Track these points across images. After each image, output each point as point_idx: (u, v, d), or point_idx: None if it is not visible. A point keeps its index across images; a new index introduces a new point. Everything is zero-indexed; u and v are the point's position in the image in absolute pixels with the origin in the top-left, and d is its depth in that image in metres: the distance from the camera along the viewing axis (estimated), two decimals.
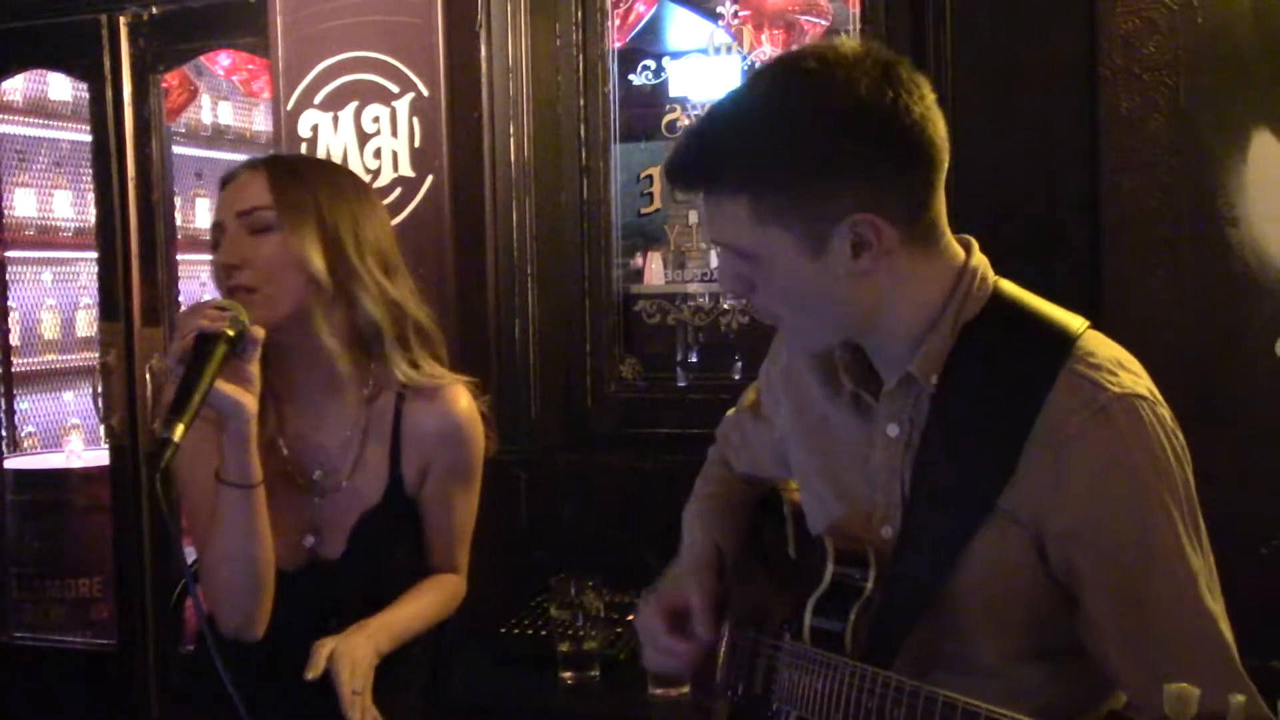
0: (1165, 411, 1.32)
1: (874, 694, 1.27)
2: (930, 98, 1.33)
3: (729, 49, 3.08)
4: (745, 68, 3.06)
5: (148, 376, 3.48)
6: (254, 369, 1.77)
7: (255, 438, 1.80)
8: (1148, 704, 1.25)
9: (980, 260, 1.41)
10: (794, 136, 1.30)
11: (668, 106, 3.10)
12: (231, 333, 1.72)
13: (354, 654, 1.83)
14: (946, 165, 1.35)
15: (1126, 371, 1.32)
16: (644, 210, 3.14)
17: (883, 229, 1.31)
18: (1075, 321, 1.37)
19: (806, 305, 1.37)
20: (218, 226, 1.89)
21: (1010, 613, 1.36)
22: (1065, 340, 1.34)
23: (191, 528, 1.95)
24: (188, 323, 1.73)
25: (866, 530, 1.45)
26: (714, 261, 3.13)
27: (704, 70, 3.09)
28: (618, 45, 3.12)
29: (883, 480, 1.43)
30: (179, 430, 1.60)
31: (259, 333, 1.76)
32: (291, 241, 1.83)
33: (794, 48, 3.01)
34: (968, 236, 1.43)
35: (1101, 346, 1.34)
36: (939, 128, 1.33)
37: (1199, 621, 1.28)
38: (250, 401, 1.77)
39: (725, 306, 3.08)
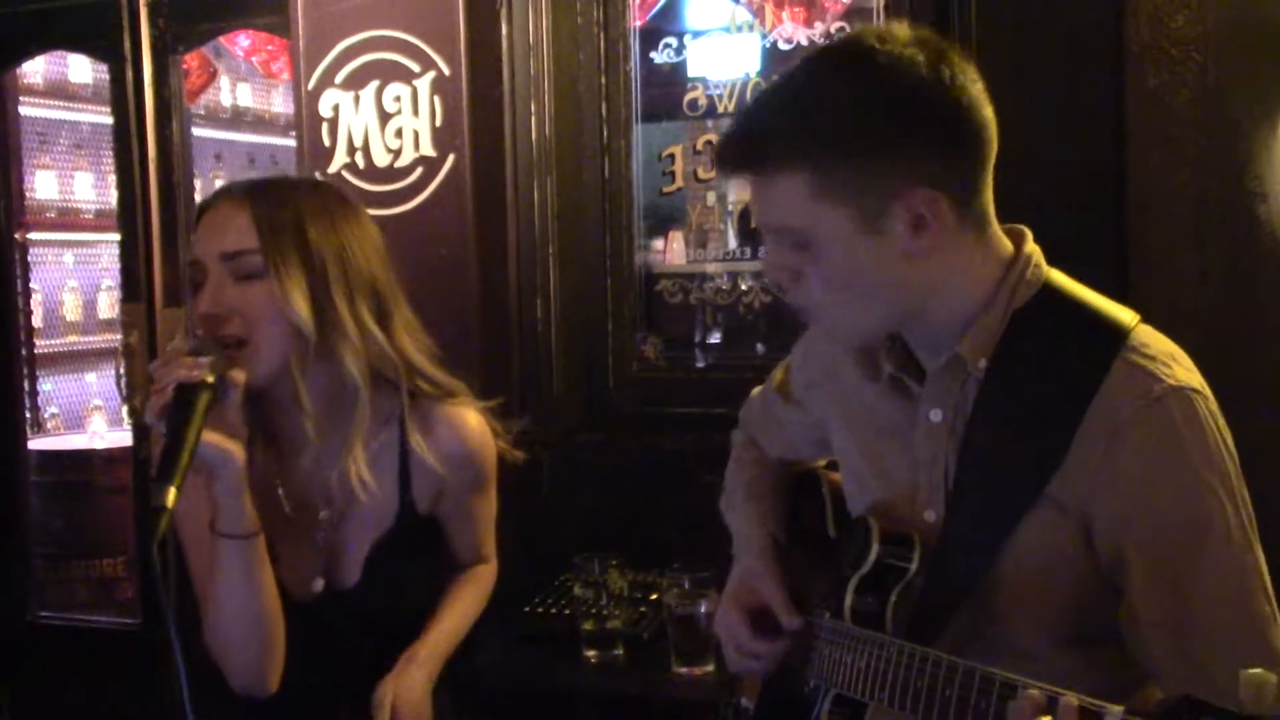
0: (1217, 408, 1.31)
1: (924, 673, 1.27)
2: (980, 84, 1.34)
3: (750, 27, 3.06)
4: (766, 46, 3.04)
5: None
6: (236, 415, 1.67)
7: (247, 486, 1.69)
8: (1181, 690, 1.24)
9: (1034, 249, 1.41)
10: (858, 108, 1.30)
11: (689, 85, 3.09)
12: (211, 379, 1.59)
13: (413, 698, 1.82)
14: (995, 152, 1.35)
15: (1180, 365, 1.32)
16: (665, 189, 3.13)
17: (942, 207, 1.31)
18: (1127, 314, 1.36)
19: (858, 289, 1.35)
20: (197, 265, 1.73)
21: (1053, 599, 1.36)
22: (1119, 331, 1.33)
23: (195, 585, 1.84)
24: (164, 375, 1.59)
25: (909, 512, 1.45)
26: (732, 242, 3.12)
27: (725, 48, 3.08)
28: (639, 24, 3.11)
29: (926, 464, 1.43)
30: (171, 495, 1.47)
31: (239, 376, 1.65)
32: (277, 292, 1.68)
33: (816, 25, 3.00)
34: (1021, 227, 1.43)
35: (1155, 339, 1.34)
36: (989, 112, 1.34)
37: (1247, 617, 1.27)
38: (238, 450, 1.66)
39: (744, 287, 3.07)
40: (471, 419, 1.90)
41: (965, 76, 1.32)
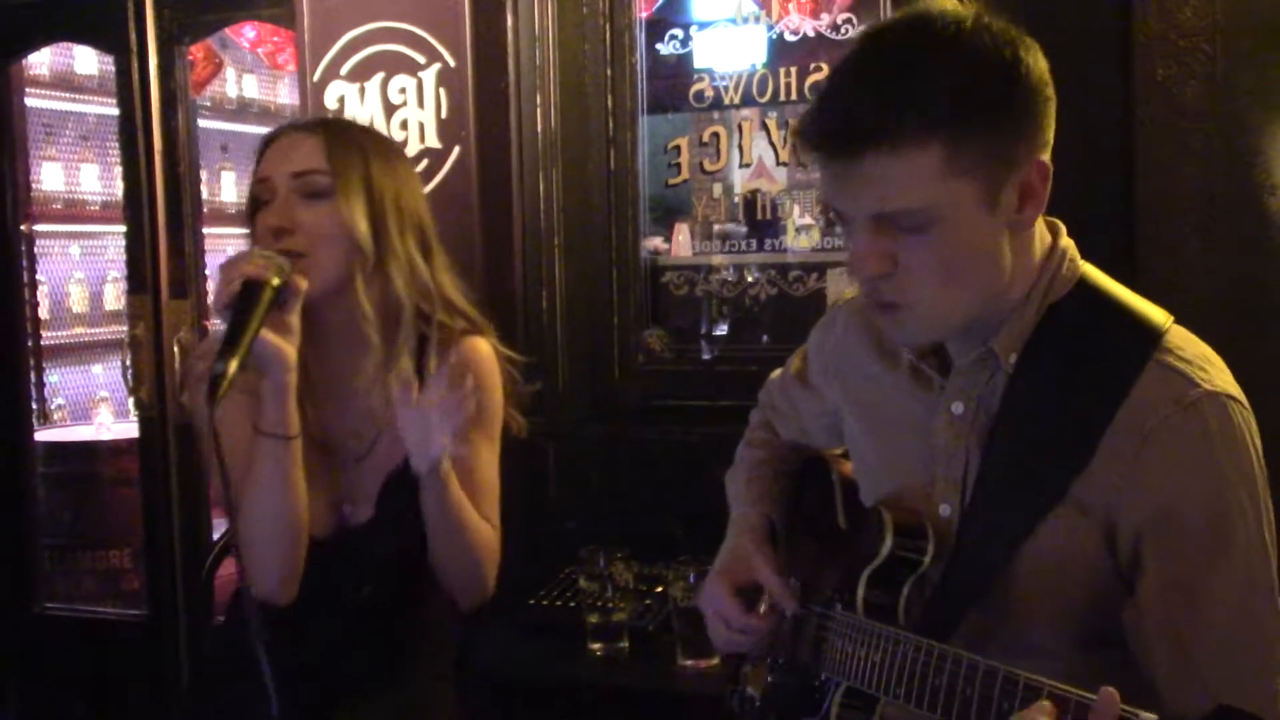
0: (1252, 417, 1.30)
1: (943, 671, 1.25)
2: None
3: (756, 18, 3.05)
4: (772, 38, 3.03)
5: (176, 349, 3.49)
6: (294, 320, 1.78)
7: (294, 389, 1.79)
8: (1180, 704, 1.24)
9: (1069, 243, 1.39)
10: (985, 77, 1.25)
11: (695, 77, 3.08)
12: (276, 281, 1.72)
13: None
14: None
15: (1215, 368, 1.30)
16: (671, 181, 3.12)
17: (1049, 174, 1.29)
18: (1160, 314, 1.34)
19: (965, 270, 1.29)
20: (265, 183, 1.86)
21: (1070, 600, 1.34)
22: (1154, 332, 1.31)
23: (228, 494, 1.91)
24: (234, 270, 1.71)
25: (923, 503, 1.43)
26: (737, 234, 3.11)
27: (731, 40, 3.07)
28: (644, 15, 3.10)
29: (944, 457, 1.41)
30: (233, 364, 1.60)
31: (302, 284, 1.77)
32: (343, 210, 1.83)
33: (823, 16, 2.98)
34: (1055, 220, 1.40)
35: (1190, 342, 1.32)
36: None
37: (1255, 629, 1.26)
38: (291, 352, 1.77)
39: (750, 279, 3.06)
40: (483, 349, 1.98)
41: (1032, 41, 1.30)
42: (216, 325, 1.91)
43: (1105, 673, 1.33)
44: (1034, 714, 1.10)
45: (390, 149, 1.98)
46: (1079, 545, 1.31)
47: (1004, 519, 1.35)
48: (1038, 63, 1.28)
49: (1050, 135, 1.31)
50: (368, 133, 1.99)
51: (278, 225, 1.81)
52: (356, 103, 3.01)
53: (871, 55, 1.29)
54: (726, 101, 3.06)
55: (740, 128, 3.07)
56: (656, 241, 3.13)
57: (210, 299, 1.84)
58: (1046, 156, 1.30)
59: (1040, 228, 1.37)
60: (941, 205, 1.24)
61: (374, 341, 1.88)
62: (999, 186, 1.26)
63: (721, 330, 3.11)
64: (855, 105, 1.25)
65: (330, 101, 3.03)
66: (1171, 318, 1.34)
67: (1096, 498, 1.29)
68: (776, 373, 1.83)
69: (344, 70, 3.02)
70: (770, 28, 3.03)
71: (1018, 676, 1.16)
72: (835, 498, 1.65)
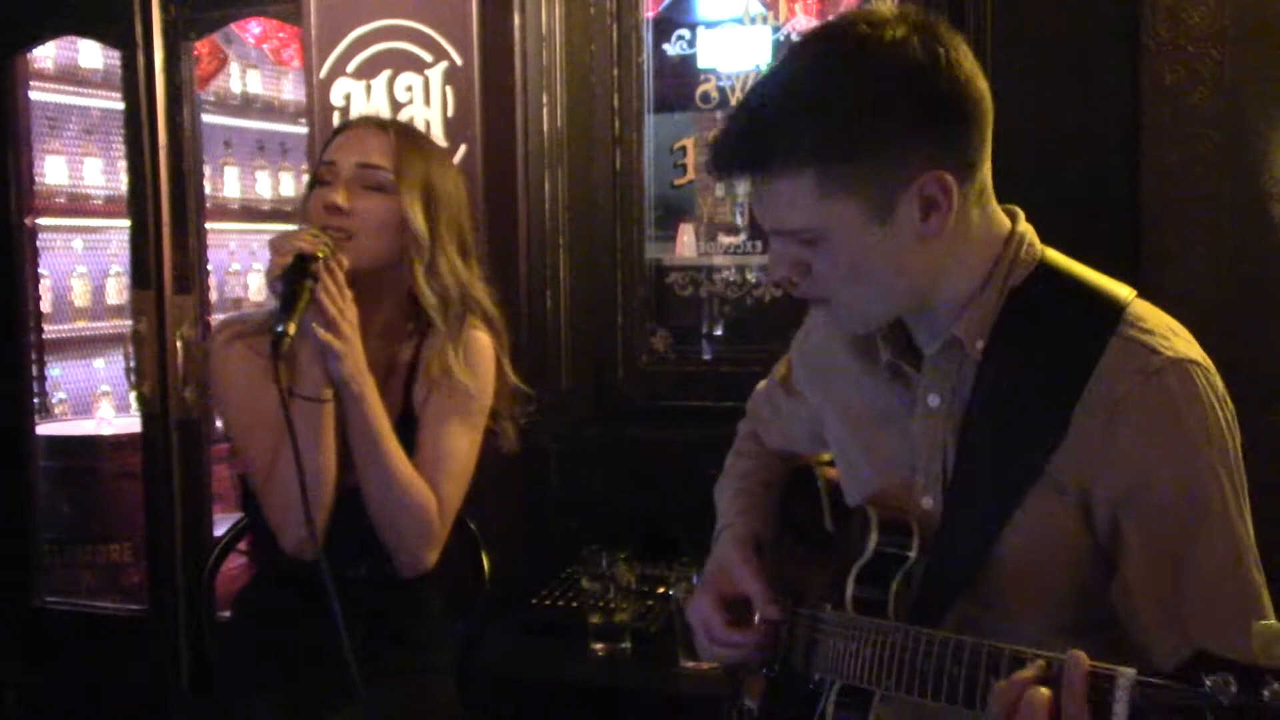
0: (1218, 380, 1.31)
1: (930, 655, 1.26)
2: (971, 54, 1.33)
3: (763, 19, 3.05)
4: (779, 39, 3.03)
5: (179, 344, 3.48)
6: (346, 291, 1.93)
7: (355, 355, 1.94)
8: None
9: (1027, 228, 1.41)
10: (856, 102, 1.28)
11: (701, 77, 3.08)
12: (324, 254, 1.89)
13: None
14: (992, 123, 1.34)
15: (1179, 338, 1.31)
16: (676, 182, 3.12)
17: (951, 187, 1.30)
18: (1123, 290, 1.36)
19: (867, 279, 1.34)
20: (331, 166, 2.02)
21: (1053, 582, 1.35)
22: (1115, 307, 1.33)
23: (242, 454, 2.07)
24: (286, 244, 1.88)
25: (906, 499, 1.44)
26: (743, 234, 3.11)
27: (737, 40, 3.07)
28: (651, 15, 3.10)
29: (924, 450, 1.43)
30: (292, 326, 1.79)
31: (345, 262, 1.93)
32: (404, 204, 1.99)
33: (830, 18, 2.98)
34: (1013, 206, 1.42)
35: (1152, 314, 1.34)
36: (984, 83, 1.33)
37: (1241, 589, 1.27)
38: (339, 320, 1.91)
39: (755, 280, 3.06)
40: (484, 341, 2.11)
41: (957, 52, 1.30)
42: (217, 319, 2.03)
43: (1094, 657, 1.34)
44: (1016, 680, 1.11)
45: (448, 161, 2.18)
46: (1058, 526, 1.32)
47: (983, 506, 1.36)
48: (944, 79, 1.28)
49: (964, 146, 1.31)
50: (431, 142, 2.19)
51: (336, 203, 1.97)
52: (363, 100, 3.00)
53: (768, 79, 1.37)
54: (732, 102, 3.06)
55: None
56: (662, 242, 3.14)
57: (212, 293, 1.96)
58: (950, 168, 1.29)
59: (998, 216, 1.39)
60: (824, 224, 1.30)
61: (394, 328, 2.07)
62: (889, 202, 1.29)
63: (726, 331, 3.12)
64: (739, 135, 1.33)
65: (336, 99, 3.02)
66: (1134, 292, 1.36)
67: (1071, 475, 1.31)
68: (763, 382, 1.84)
69: (350, 67, 3.01)
70: (776, 29, 3.04)
71: (1002, 649, 1.17)
72: (821, 503, 1.66)
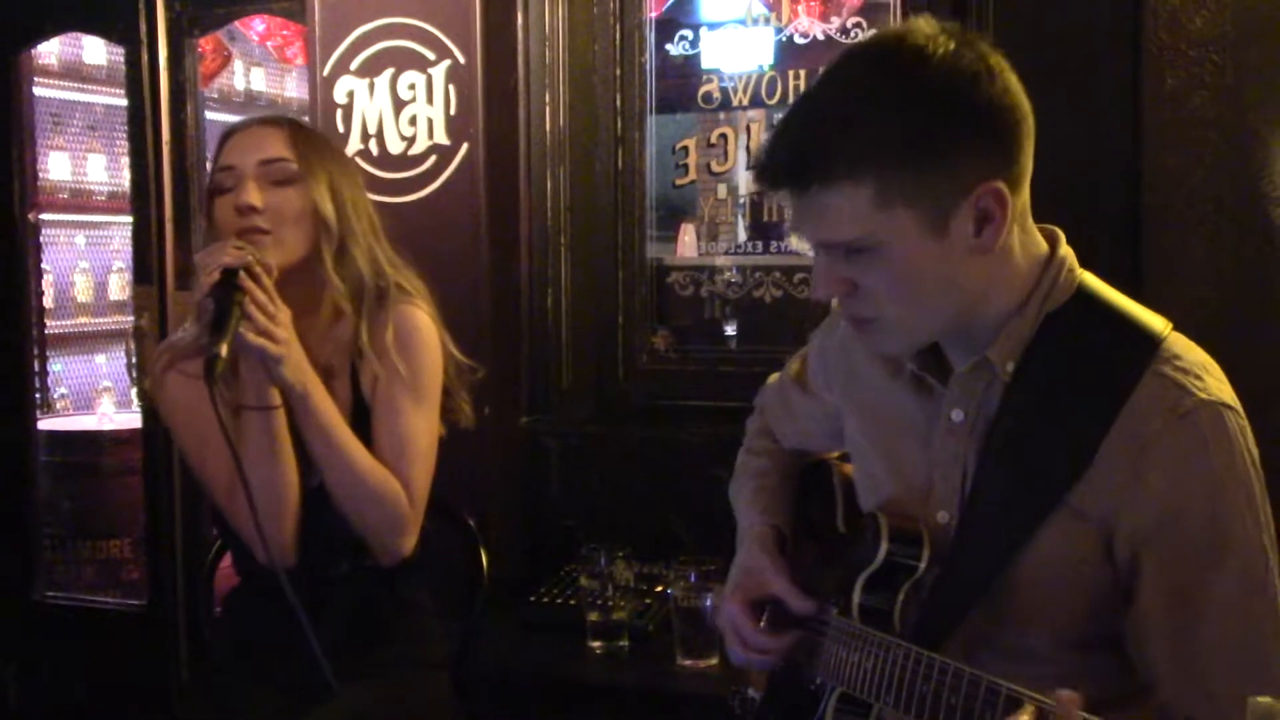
0: (1247, 425, 1.31)
1: (930, 679, 1.26)
2: (1012, 70, 1.32)
3: (765, 20, 3.06)
4: (781, 40, 3.04)
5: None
6: (274, 297, 1.90)
7: (296, 360, 1.92)
8: (1183, 708, 1.25)
9: (1068, 252, 1.39)
10: (917, 111, 1.27)
11: (704, 78, 3.09)
12: (252, 263, 1.87)
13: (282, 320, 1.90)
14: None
15: (1212, 378, 1.31)
16: (678, 182, 3.12)
17: (1006, 199, 1.29)
18: (1159, 322, 1.35)
19: (920, 292, 1.33)
20: (230, 170, 1.97)
21: (1067, 605, 1.35)
22: (1151, 340, 1.32)
23: (200, 478, 2.05)
24: (210, 260, 1.86)
25: (921, 510, 1.44)
26: (744, 235, 3.12)
27: (740, 41, 3.07)
28: (654, 15, 3.10)
29: (943, 465, 1.42)
30: (225, 348, 1.77)
31: (273, 267, 1.90)
32: (313, 193, 1.97)
33: (833, 20, 2.99)
34: (1054, 228, 1.41)
35: (1188, 350, 1.33)
36: (1026, 99, 1.32)
37: (1254, 632, 1.27)
38: (276, 329, 1.88)
39: (756, 280, 3.07)
40: (420, 319, 2.07)
41: (1002, 67, 1.30)
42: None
43: (1098, 675, 1.34)
44: None
45: (340, 149, 2.17)
46: (1076, 553, 1.32)
47: (1001, 526, 1.36)
48: (998, 91, 1.28)
49: (1015, 159, 1.31)
50: (323, 134, 2.20)
51: (249, 203, 1.93)
52: (366, 98, 3.01)
53: (819, 90, 1.36)
54: (735, 103, 3.07)
55: (748, 129, 3.08)
56: (663, 242, 3.14)
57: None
58: (1005, 179, 1.29)
59: (1036, 237, 1.38)
60: (880, 235, 1.29)
61: (325, 318, 2.03)
62: (945, 214, 1.28)
63: (725, 331, 3.12)
64: (792, 145, 1.31)
65: (340, 96, 3.03)
66: (1170, 325, 1.35)
67: (1094, 506, 1.30)
68: (774, 377, 1.84)
69: (354, 65, 3.02)
70: (779, 30, 3.04)
71: (1000, 687, 1.18)
72: (836, 502, 1.66)
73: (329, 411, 1.95)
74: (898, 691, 1.32)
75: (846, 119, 1.28)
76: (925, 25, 1.31)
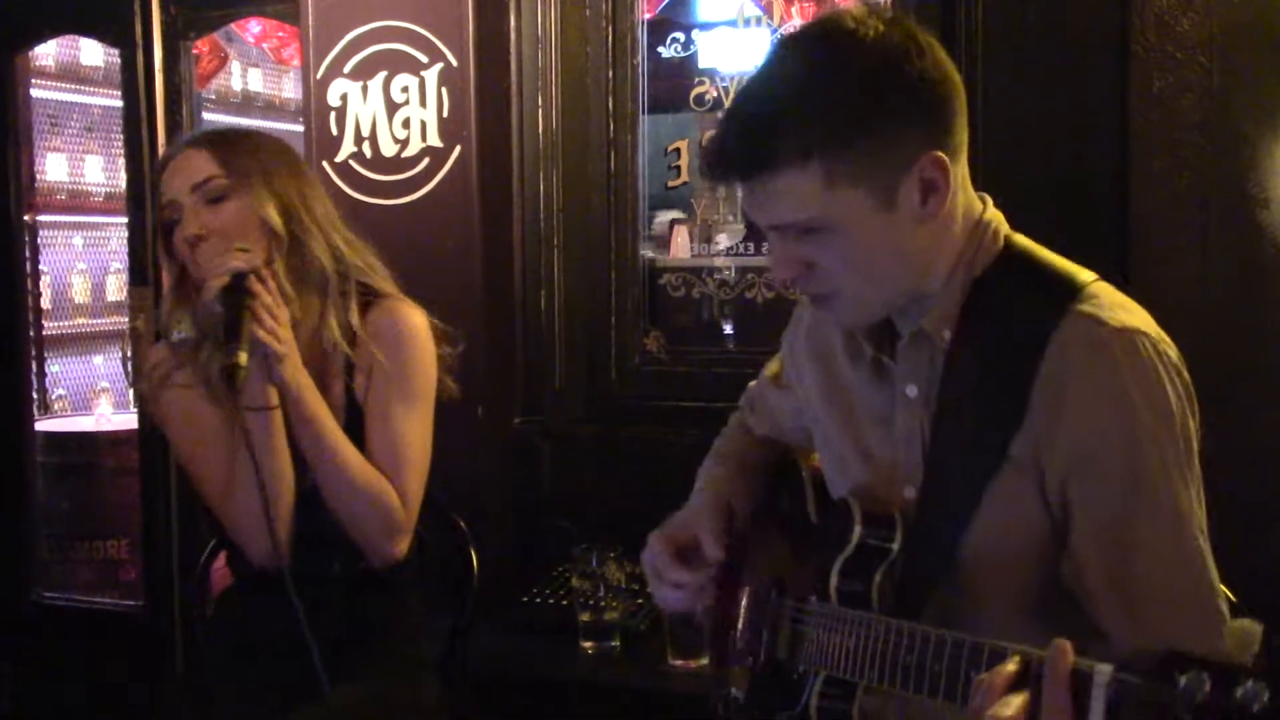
0: (1170, 350, 1.32)
1: (913, 649, 1.27)
2: (940, 47, 1.37)
3: (758, 21, 3.07)
4: (775, 42, 3.05)
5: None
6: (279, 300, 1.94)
7: (293, 360, 1.95)
8: (1129, 647, 1.23)
9: (995, 215, 1.43)
10: (853, 91, 1.32)
11: (696, 79, 3.10)
12: (256, 266, 1.91)
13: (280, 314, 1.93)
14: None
15: (1129, 313, 1.33)
16: (671, 183, 3.14)
17: (948, 167, 1.33)
18: (1084, 274, 1.38)
19: (874, 266, 1.37)
20: (172, 205, 1.98)
21: (1022, 567, 1.37)
22: (1073, 286, 1.35)
23: (195, 480, 2.07)
24: (221, 263, 1.89)
25: (890, 491, 1.47)
26: (737, 235, 3.13)
27: (733, 42, 3.08)
28: (647, 16, 3.11)
29: (904, 441, 1.45)
30: (244, 355, 1.82)
31: (276, 271, 1.94)
32: (247, 202, 1.96)
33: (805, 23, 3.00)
34: (982, 194, 1.45)
35: (1107, 292, 1.36)
36: (955, 72, 1.37)
37: (1185, 562, 1.29)
38: (281, 330, 1.92)
39: (748, 281, 3.08)
40: (415, 316, 2.08)
41: (931, 43, 1.35)
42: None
43: (1073, 637, 1.35)
44: (996, 673, 1.11)
45: (278, 144, 2.11)
46: (1022, 510, 1.34)
47: (954, 494, 1.38)
48: (929, 65, 1.33)
49: (950, 129, 1.35)
50: (253, 133, 2.14)
51: (191, 234, 1.94)
52: (359, 101, 3.02)
53: (757, 81, 1.39)
54: (727, 104, 3.08)
55: None
56: (656, 243, 3.15)
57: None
58: (944, 149, 1.33)
59: (974, 203, 1.42)
60: (831, 214, 1.32)
61: (296, 315, 2.00)
62: (892, 187, 1.33)
63: (718, 332, 3.13)
64: (736, 136, 1.35)
65: (333, 99, 3.04)
66: (1096, 276, 1.37)
67: (1028, 455, 1.33)
68: (754, 381, 1.86)
69: (347, 68, 3.03)
70: (774, 30, 3.05)
71: (982, 644, 1.18)
72: (806, 495, 1.67)
73: (321, 412, 1.97)
74: (882, 666, 1.33)
75: (787, 106, 1.33)
76: (854, 10, 1.36)
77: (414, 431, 2.04)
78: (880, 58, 1.32)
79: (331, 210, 2.09)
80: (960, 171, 1.38)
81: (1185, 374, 1.32)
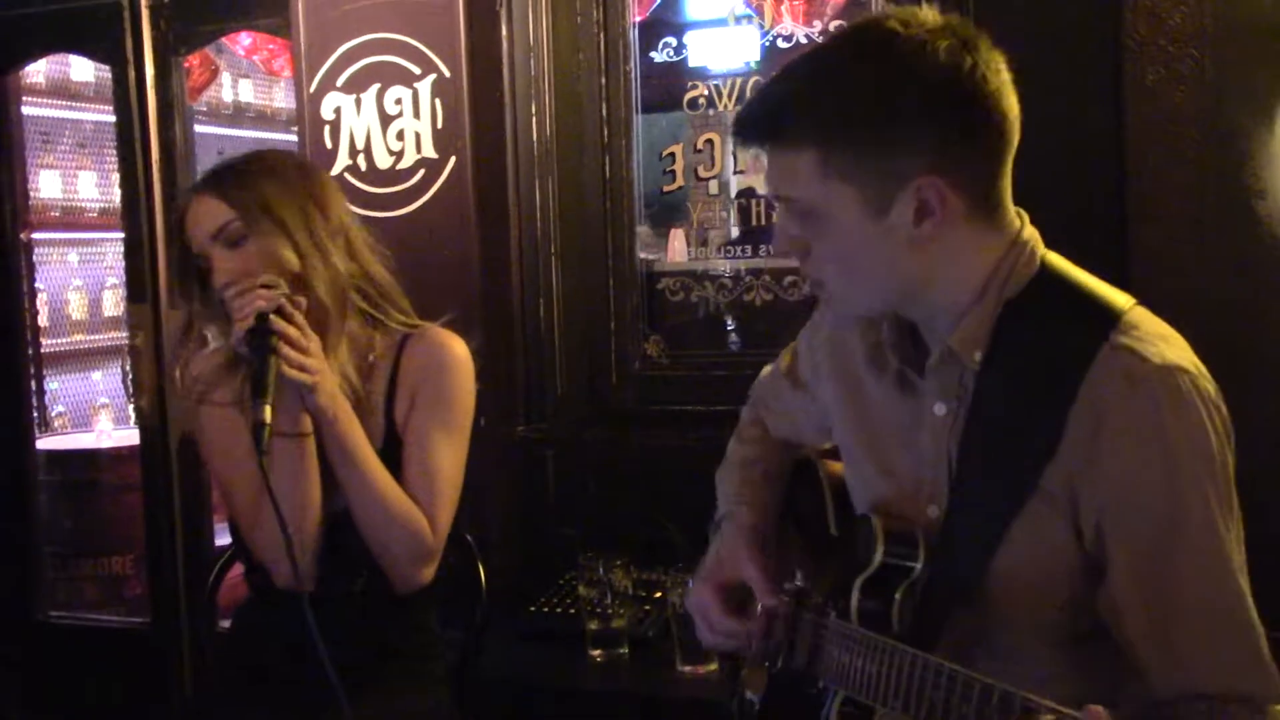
0: (1209, 385, 1.30)
1: (939, 686, 1.24)
2: (1006, 74, 1.33)
3: (749, 19, 3.07)
4: (765, 44, 3.05)
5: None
6: (307, 334, 1.94)
7: (330, 390, 1.95)
8: (1166, 685, 1.25)
9: (1031, 234, 1.40)
10: (870, 93, 1.31)
11: (689, 83, 3.10)
12: (282, 300, 1.91)
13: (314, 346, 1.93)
14: (1016, 141, 1.35)
15: (1170, 345, 1.30)
16: (666, 188, 3.14)
17: (948, 196, 1.31)
18: (1122, 298, 1.35)
19: (859, 269, 1.37)
20: (200, 256, 2.00)
21: (1050, 595, 1.35)
22: (1111, 315, 1.32)
23: (226, 498, 2.08)
24: (246, 304, 1.90)
25: (913, 509, 1.45)
26: (734, 235, 3.13)
27: (724, 41, 3.08)
28: (639, 19, 3.11)
29: (930, 459, 1.43)
30: (268, 411, 1.80)
31: (303, 301, 1.94)
32: (263, 243, 1.96)
33: (816, 23, 3.00)
34: (1019, 210, 1.41)
35: (1146, 321, 1.33)
36: (1012, 103, 1.33)
37: (1226, 602, 1.27)
38: (310, 370, 1.92)
39: (746, 283, 3.08)
40: (459, 345, 2.10)
41: (988, 67, 1.30)
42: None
43: (1092, 668, 1.35)
44: None
45: (279, 166, 2.08)
46: (1053, 538, 1.33)
47: (982, 517, 1.36)
48: (967, 90, 1.29)
49: (968, 159, 1.32)
50: (254, 160, 2.10)
51: (223, 282, 1.96)
52: (353, 114, 3.02)
53: (800, 59, 1.41)
54: (720, 107, 3.08)
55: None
56: (653, 248, 3.16)
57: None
58: (949, 174, 1.30)
59: (1011, 221, 1.38)
60: (822, 204, 1.34)
61: (332, 343, 2.00)
62: (886, 197, 1.31)
63: (717, 335, 3.13)
64: (758, 103, 1.40)
65: (327, 112, 3.04)
66: (1133, 301, 1.35)
67: (1060, 486, 1.31)
68: (767, 369, 1.84)
69: (340, 81, 3.03)
70: (765, 33, 3.05)
71: (1014, 695, 1.15)
72: (825, 501, 1.67)
73: (357, 438, 1.97)
74: (906, 697, 1.30)
75: (804, 88, 1.35)
76: (924, 16, 1.33)
77: (450, 461, 2.06)
78: (907, 68, 1.29)
79: (344, 222, 2.07)
80: (977, 202, 1.34)
81: (1223, 409, 1.30)
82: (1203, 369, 1.31)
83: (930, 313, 1.41)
